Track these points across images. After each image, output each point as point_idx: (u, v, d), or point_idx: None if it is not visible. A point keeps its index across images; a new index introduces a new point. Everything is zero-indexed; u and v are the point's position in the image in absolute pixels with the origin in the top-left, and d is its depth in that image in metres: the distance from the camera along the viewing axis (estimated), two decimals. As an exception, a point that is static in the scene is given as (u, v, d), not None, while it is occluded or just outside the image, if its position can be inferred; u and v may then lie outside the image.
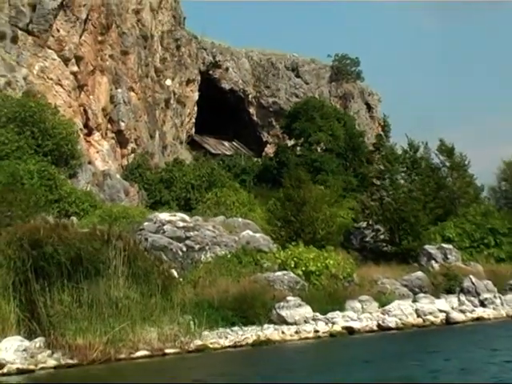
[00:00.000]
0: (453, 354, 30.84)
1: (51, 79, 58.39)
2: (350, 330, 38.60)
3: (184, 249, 44.22)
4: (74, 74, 59.49)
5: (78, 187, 54.00)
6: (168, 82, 68.97)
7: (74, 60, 59.41)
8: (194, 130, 73.12)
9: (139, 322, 33.73)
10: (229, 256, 44.66)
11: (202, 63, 76.75)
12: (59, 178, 51.82)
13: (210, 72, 77.47)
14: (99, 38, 61.57)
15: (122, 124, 62.19)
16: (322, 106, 78.16)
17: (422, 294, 45.13)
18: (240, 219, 52.23)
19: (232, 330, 36.45)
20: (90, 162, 58.46)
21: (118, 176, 59.82)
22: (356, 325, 39.06)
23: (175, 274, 42.88)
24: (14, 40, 57.09)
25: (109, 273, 34.30)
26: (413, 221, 50.61)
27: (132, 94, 64.03)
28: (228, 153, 79.73)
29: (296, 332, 37.55)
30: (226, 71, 79.12)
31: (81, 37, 60.00)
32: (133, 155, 62.96)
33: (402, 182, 53.98)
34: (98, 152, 60.31)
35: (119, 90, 62.65)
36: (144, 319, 33.96)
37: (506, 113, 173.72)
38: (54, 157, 53.29)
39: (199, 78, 73.41)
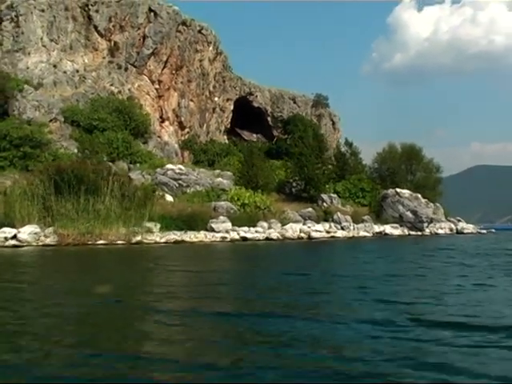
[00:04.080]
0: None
1: (143, 91, 52.67)
2: (244, 239, 31.76)
3: (177, 185, 38.24)
4: (156, 89, 53.60)
5: (146, 149, 48.43)
6: (216, 98, 62.18)
7: (157, 82, 53.48)
8: (229, 125, 65.99)
9: (114, 224, 27.53)
10: (203, 191, 38.27)
11: (243, 92, 69.72)
12: (133, 142, 46.65)
13: (247, 97, 70.39)
14: (173, 72, 55.17)
15: (183, 118, 55.92)
16: (302, 118, 71.36)
17: (308, 221, 38.20)
18: (229, 172, 45.73)
19: (174, 233, 29.77)
20: (159, 137, 52.53)
21: (175, 145, 53.88)
22: (249, 235, 32.19)
23: (171, 199, 36.84)
24: (126, 69, 51.85)
25: (99, 193, 28.14)
26: (316, 180, 43.73)
27: (191, 103, 57.62)
28: (254, 140, 72.78)
29: (212, 237, 30.87)
30: (256, 97, 72.01)
31: (162, 70, 53.88)
32: (187, 135, 56.64)
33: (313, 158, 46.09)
34: (166, 132, 54.19)
35: (183, 100, 56.31)
36: (118, 222, 27.79)
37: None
38: (134, 131, 48.01)
39: (235, 98, 66.36)
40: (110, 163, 43.09)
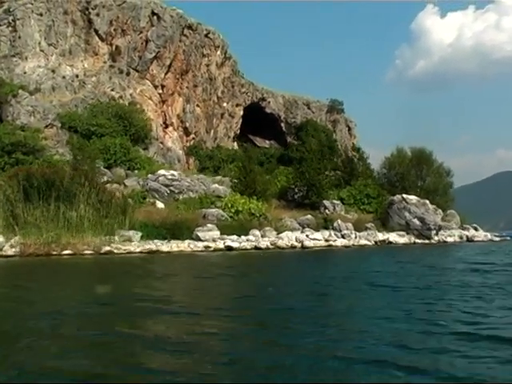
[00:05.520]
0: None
1: (146, 96, 50.86)
2: (230, 248, 28.74)
3: (168, 192, 36.06)
4: (159, 94, 51.78)
5: (147, 155, 46.55)
6: (224, 104, 59.91)
7: (160, 87, 51.69)
8: (239, 131, 63.43)
9: (85, 233, 25.33)
10: (196, 198, 35.96)
11: (255, 97, 67.38)
12: (132, 148, 44.68)
13: (260, 103, 68.05)
14: (177, 76, 53.26)
15: (188, 124, 53.85)
16: (314, 124, 68.79)
17: (307, 229, 35.46)
18: (228, 178, 43.46)
19: (153, 242, 27.38)
20: (162, 142, 50.55)
21: (178, 151, 51.89)
22: (235, 245, 29.12)
23: (162, 205, 34.64)
24: (127, 74, 50.15)
25: (71, 200, 26.04)
26: (318, 186, 41.02)
27: (197, 108, 55.55)
28: (267, 146, 70.43)
29: (194, 246, 28.29)
30: (269, 103, 69.65)
31: (166, 74, 52.08)
32: (193, 141, 54.47)
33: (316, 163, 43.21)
34: (170, 137, 52.15)
35: (188, 106, 54.32)
36: (90, 231, 25.59)
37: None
38: (134, 137, 46.20)
39: (244, 103, 63.83)
40: (106, 169, 41.36)
